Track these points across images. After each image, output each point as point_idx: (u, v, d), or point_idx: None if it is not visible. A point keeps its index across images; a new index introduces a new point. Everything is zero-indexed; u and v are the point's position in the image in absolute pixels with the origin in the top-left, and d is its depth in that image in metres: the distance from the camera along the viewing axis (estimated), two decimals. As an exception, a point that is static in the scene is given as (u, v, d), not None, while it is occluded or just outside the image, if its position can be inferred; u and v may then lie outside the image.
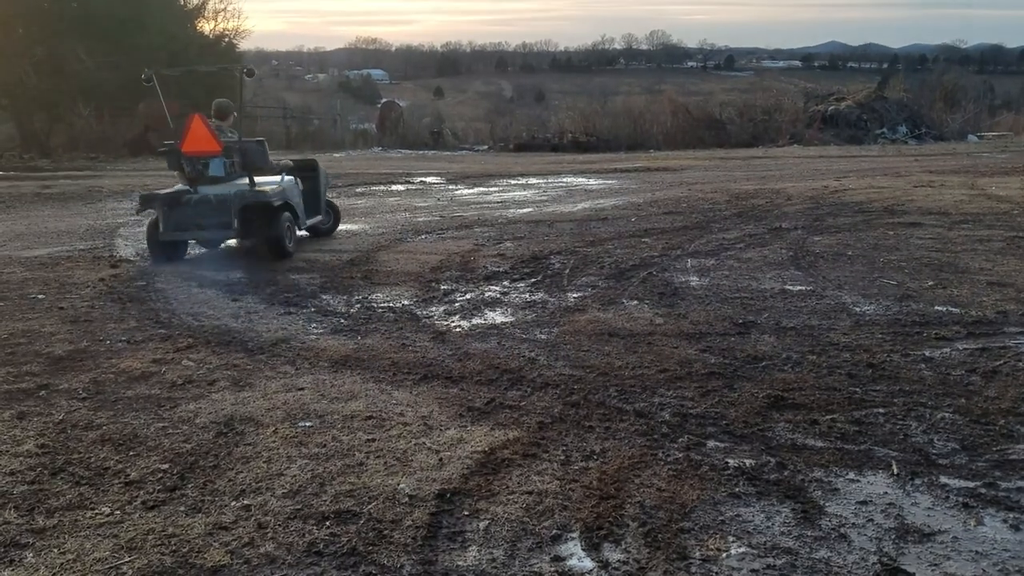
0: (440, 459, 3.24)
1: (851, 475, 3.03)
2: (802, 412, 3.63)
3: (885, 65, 63.48)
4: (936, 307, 5.27)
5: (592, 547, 2.57)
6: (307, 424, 3.65)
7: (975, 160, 16.09)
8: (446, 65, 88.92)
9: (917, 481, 2.97)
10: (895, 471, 3.04)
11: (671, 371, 4.23)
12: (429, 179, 15.20)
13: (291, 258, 7.49)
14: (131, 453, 3.37)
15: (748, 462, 3.15)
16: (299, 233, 8.05)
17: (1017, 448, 3.22)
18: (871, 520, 2.70)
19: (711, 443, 3.35)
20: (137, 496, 2.99)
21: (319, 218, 8.55)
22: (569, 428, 3.55)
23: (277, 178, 7.84)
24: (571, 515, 2.77)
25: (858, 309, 5.29)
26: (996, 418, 3.52)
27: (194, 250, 8.01)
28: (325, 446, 3.41)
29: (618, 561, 2.49)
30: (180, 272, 6.99)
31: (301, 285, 6.45)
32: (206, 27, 28.36)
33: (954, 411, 3.61)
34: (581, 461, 3.22)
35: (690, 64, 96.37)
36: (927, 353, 4.39)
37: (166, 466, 3.23)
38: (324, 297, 6.08)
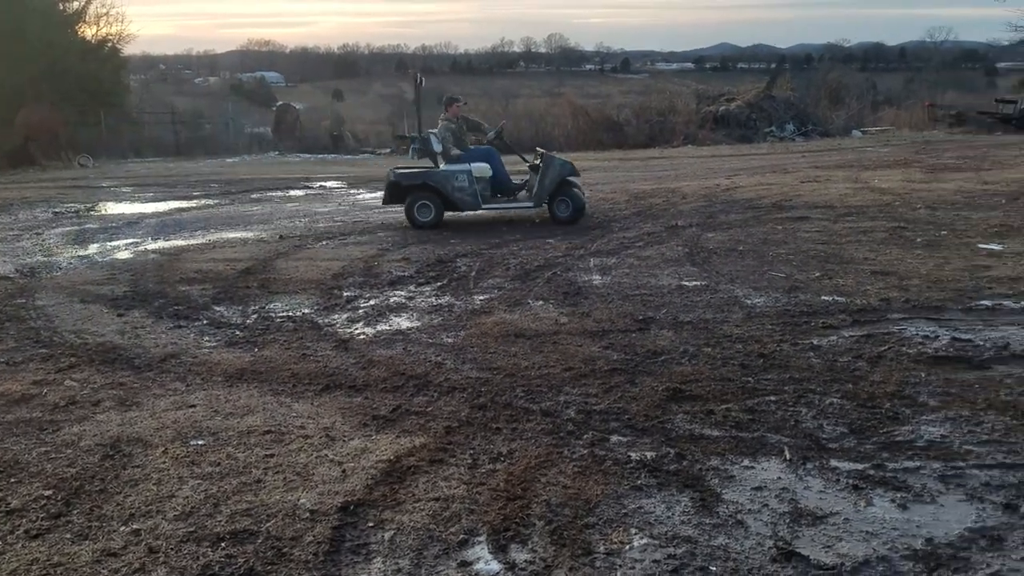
0: (343, 471, 3.17)
1: (746, 462, 3.13)
2: (699, 403, 3.73)
3: (773, 65, 66.18)
4: (823, 297, 5.51)
5: (499, 549, 2.57)
6: (200, 442, 3.51)
7: (859, 155, 16.95)
8: (344, 67, 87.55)
9: (809, 465, 3.09)
10: (788, 456, 3.16)
11: (576, 369, 4.28)
12: (329, 183, 14.91)
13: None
14: (12, 480, 3.16)
15: (649, 454, 3.21)
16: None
17: (902, 430, 3.40)
18: (766, 505, 2.79)
19: (614, 438, 3.41)
20: (19, 525, 2.81)
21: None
22: (476, 431, 3.54)
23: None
24: (478, 519, 2.76)
25: (750, 302, 5.48)
26: (882, 401, 3.70)
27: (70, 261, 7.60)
28: (219, 464, 3.28)
29: (524, 561, 2.49)
30: (64, 287, 6.61)
31: (192, 297, 6.21)
32: (88, 32, 27.10)
33: (842, 396, 3.77)
34: (488, 464, 3.21)
35: (588, 67, 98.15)
36: (815, 341, 4.58)
37: (49, 492, 3.05)
38: (218, 309, 5.87)
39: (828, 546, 2.52)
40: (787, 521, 2.68)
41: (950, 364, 4.14)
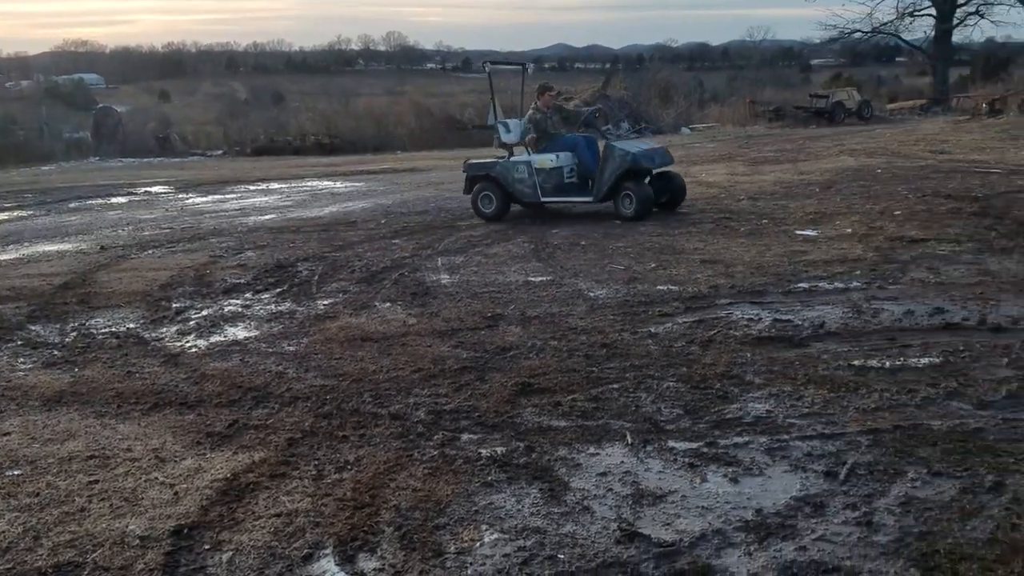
0: (175, 493, 2.97)
1: (592, 449, 3.21)
2: (547, 395, 3.79)
3: (608, 65, 68.70)
4: (659, 287, 5.76)
5: (346, 560, 2.49)
6: (16, 472, 3.19)
7: (688, 151, 17.89)
8: (170, 67, 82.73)
9: (649, 448, 3.21)
10: (629, 441, 3.26)
11: (425, 370, 4.24)
12: (155, 189, 14.05)
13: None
14: None
15: (499, 450, 3.22)
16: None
17: (732, 408, 3.59)
18: (611, 490, 2.87)
19: (465, 436, 3.40)
20: None
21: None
22: (321, 441, 3.43)
23: None
24: (324, 531, 2.66)
25: (592, 294, 5.64)
26: (713, 382, 3.90)
27: None
28: (39, 494, 3.00)
29: (373, 570, 2.43)
30: None
31: (4, 316, 5.65)
32: None
33: (677, 380, 3.95)
34: (335, 473, 3.11)
35: (429, 66, 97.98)
36: (653, 329, 4.77)
37: None
38: (33, 328, 5.37)
39: (667, 524, 2.62)
40: (630, 503, 2.77)
41: (773, 344, 4.42)
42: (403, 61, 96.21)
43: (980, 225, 7.11)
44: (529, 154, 8.77)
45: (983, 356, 4.00)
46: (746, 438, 3.27)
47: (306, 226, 9.29)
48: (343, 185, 14.37)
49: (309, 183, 14.88)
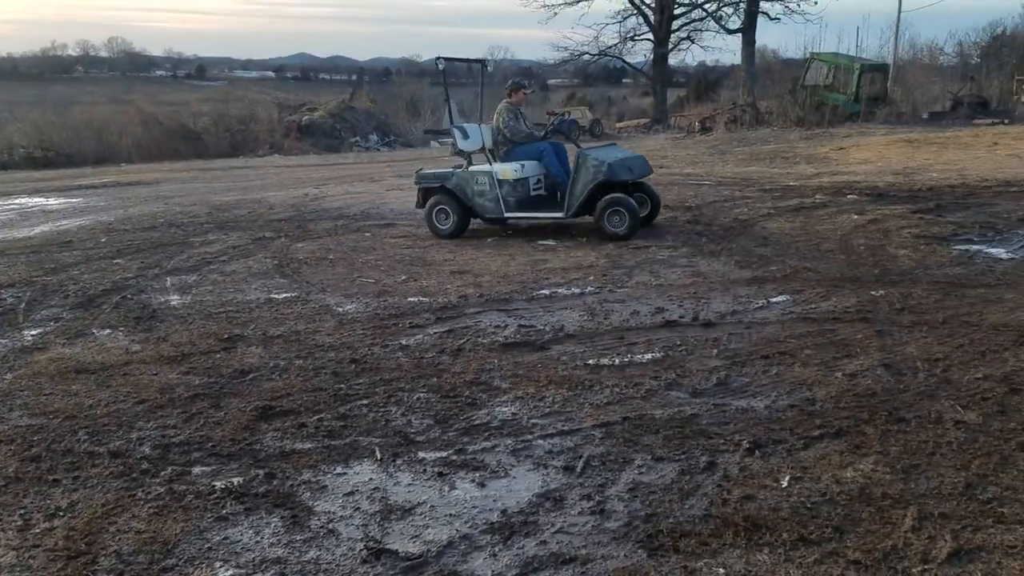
0: None
1: (339, 469, 3.11)
2: (290, 417, 3.62)
3: (354, 77, 68.03)
4: (409, 298, 5.76)
5: (54, 624, 2.18)
6: None
7: (439, 164, 18.18)
8: None
9: (399, 461, 3.17)
10: (378, 456, 3.20)
11: (151, 400, 3.88)
12: None
13: None
14: None
15: (236, 480, 3.02)
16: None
17: (480, 414, 3.66)
18: (358, 508, 2.80)
19: (197, 469, 3.14)
20: None
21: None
22: (28, 487, 3.01)
23: None
24: (27, 592, 2.32)
25: (341, 309, 5.51)
26: (463, 390, 3.96)
27: None
28: None
29: (88, 631, 2.15)
30: None
31: None
32: None
33: (428, 390, 3.96)
34: (44, 522, 2.75)
35: (159, 73, 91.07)
36: (403, 341, 4.76)
37: None
38: None
39: (416, 536, 2.60)
40: (378, 520, 2.71)
41: (518, 349, 4.59)
42: (128, 68, 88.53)
43: (692, 231, 7.92)
44: (491, 164, 7.93)
45: (697, 349, 4.44)
46: (493, 442, 3.34)
47: (12, 248, 8.20)
48: (58, 201, 12.89)
49: (17, 200, 13.18)
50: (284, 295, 5.93)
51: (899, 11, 29.99)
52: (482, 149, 8.08)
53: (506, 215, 7.88)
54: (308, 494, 2.91)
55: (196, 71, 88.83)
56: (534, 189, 8.04)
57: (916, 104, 24.34)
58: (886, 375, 3.89)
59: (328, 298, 5.82)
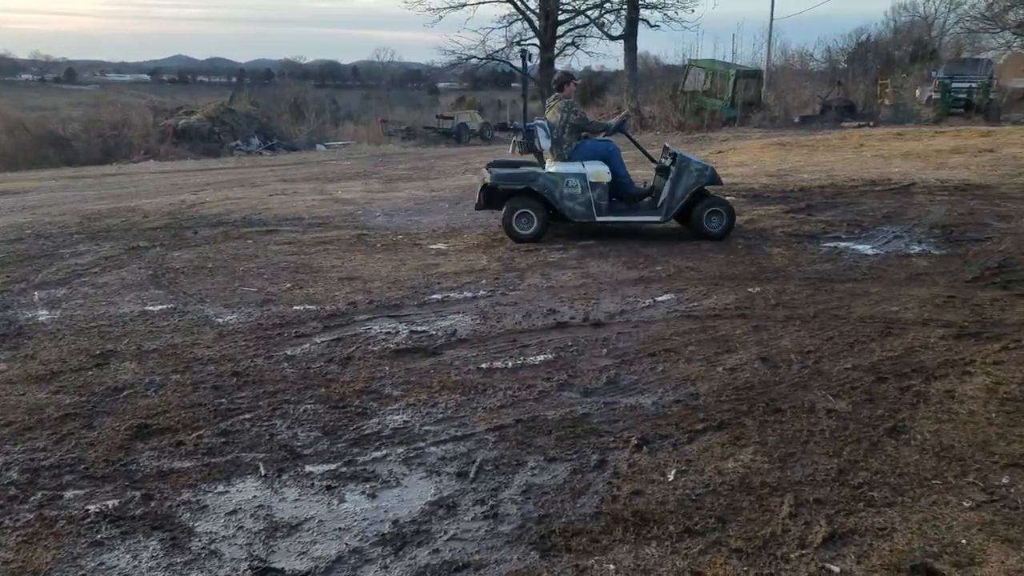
0: None
1: (220, 488, 2.98)
2: (168, 435, 3.45)
3: (234, 79, 65.92)
4: (295, 307, 5.60)
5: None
6: None
7: (324, 168, 17.81)
8: None
9: (284, 476, 3.07)
10: (263, 472, 3.09)
11: (18, 422, 3.61)
12: None
13: None
14: None
15: (111, 503, 2.85)
16: None
17: (370, 423, 3.59)
18: (241, 528, 2.69)
19: (69, 493, 2.95)
20: None
21: None
22: None
23: None
24: None
25: (221, 320, 5.30)
26: (352, 400, 3.87)
27: None
28: None
29: None
30: None
31: None
32: None
33: (316, 401, 3.85)
34: None
35: (25, 77, 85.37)
36: (289, 352, 4.61)
37: None
38: None
39: (303, 553, 2.52)
40: (263, 538, 2.61)
41: (410, 355, 4.53)
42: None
43: (583, 233, 8.06)
44: (565, 166, 7.61)
45: (587, 349, 4.51)
46: (384, 451, 3.29)
47: None
48: (-94, 211, 11.84)
49: None
50: (160, 307, 5.64)
51: (771, 19, 31.61)
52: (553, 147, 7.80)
53: (598, 219, 7.63)
54: (188, 515, 2.77)
55: (65, 74, 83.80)
56: (611, 191, 7.79)
57: (788, 108, 25.65)
58: (763, 368, 4.06)
59: (207, 309, 5.58)
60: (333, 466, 3.15)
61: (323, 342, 4.80)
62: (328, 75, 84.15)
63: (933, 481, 2.86)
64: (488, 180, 7.66)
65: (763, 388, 3.80)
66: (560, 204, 7.53)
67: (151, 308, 5.61)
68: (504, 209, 7.66)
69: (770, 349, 4.34)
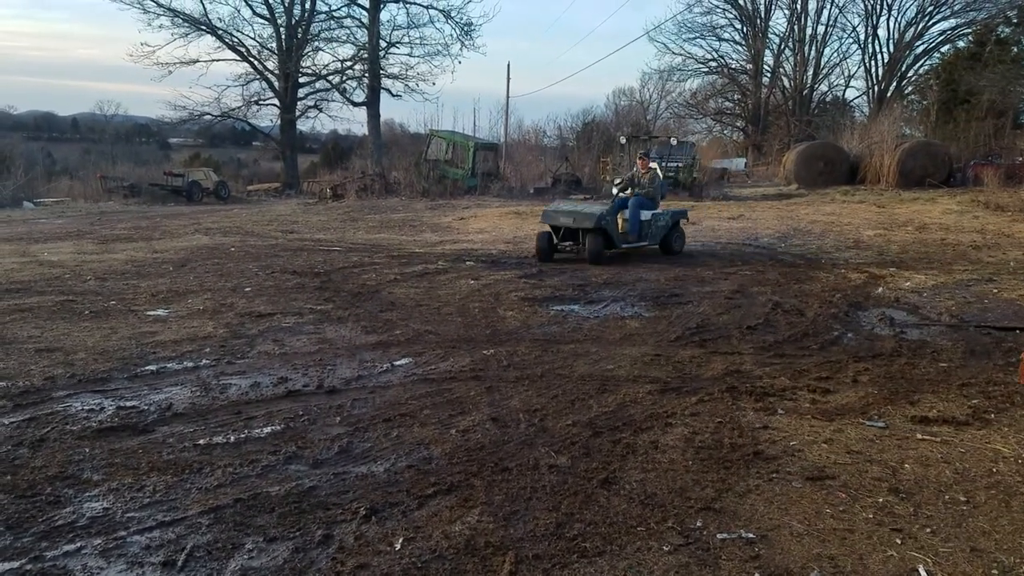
0: None
1: None
2: None
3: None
4: (-23, 383, 4.86)
5: None
6: None
7: (31, 227, 15.90)
8: None
9: (-57, 587, 2.59)
10: (-87, 585, 2.59)
11: None
12: None
13: None
14: None
15: None
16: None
17: (64, 512, 3.17)
18: None
19: None
20: None
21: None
22: None
23: None
24: None
25: None
26: (44, 487, 3.41)
27: None
28: None
29: None
30: None
31: None
32: None
33: (0, 491, 3.33)
34: None
35: None
36: (-35, 436, 3.97)
37: None
38: None
39: None
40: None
41: (115, 434, 4.09)
42: None
43: (321, 298, 7.88)
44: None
45: (320, 417, 4.36)
46: (78, 543, 2.92)
47: None
48: None
49: None
50: None
51: (507, 96, 33.92)
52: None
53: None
54: None
55: None
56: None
57: (524, 180, 27.33)
58: (494, 428, 4.18)
59: None
60: (17, 564, 2.73)
61: (12, 423, 4.21)
62: (44, 127, 76.42)
63: (638, 528, 3.07)
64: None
65: (493, 448, 3.89)
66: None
67: None
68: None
69: (501, 409, 4.48)
